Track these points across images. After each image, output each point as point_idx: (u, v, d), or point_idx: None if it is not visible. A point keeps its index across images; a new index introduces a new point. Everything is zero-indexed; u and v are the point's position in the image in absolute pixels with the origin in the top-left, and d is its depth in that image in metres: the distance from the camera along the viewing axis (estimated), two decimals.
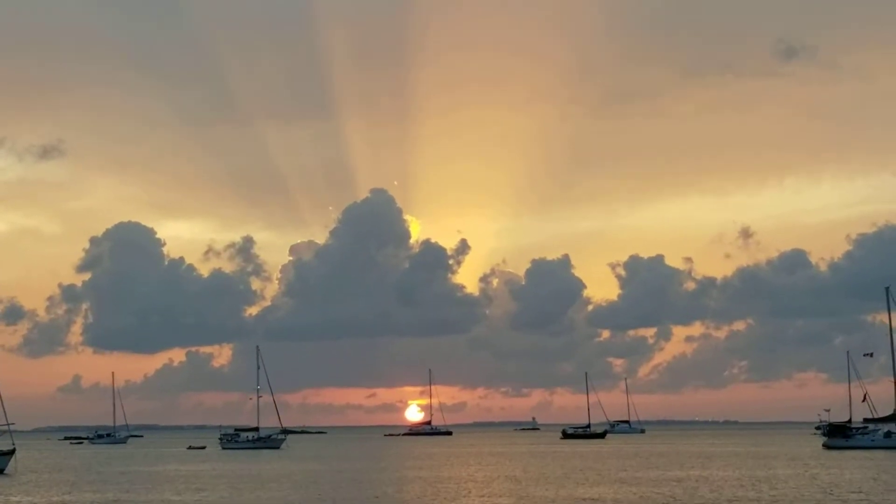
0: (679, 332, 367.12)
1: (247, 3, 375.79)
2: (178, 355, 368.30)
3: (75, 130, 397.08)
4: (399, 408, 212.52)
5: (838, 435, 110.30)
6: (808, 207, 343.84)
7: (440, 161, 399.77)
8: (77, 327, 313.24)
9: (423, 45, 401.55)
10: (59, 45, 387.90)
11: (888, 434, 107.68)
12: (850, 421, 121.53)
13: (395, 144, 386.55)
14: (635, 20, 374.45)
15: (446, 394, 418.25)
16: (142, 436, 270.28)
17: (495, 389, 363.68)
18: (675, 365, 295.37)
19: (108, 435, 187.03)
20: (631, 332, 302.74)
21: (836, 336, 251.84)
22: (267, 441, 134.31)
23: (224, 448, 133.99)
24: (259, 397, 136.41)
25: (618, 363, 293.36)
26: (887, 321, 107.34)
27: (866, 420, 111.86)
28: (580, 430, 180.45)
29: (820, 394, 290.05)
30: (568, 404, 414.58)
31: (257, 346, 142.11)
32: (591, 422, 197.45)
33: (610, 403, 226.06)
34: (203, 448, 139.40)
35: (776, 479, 58.02)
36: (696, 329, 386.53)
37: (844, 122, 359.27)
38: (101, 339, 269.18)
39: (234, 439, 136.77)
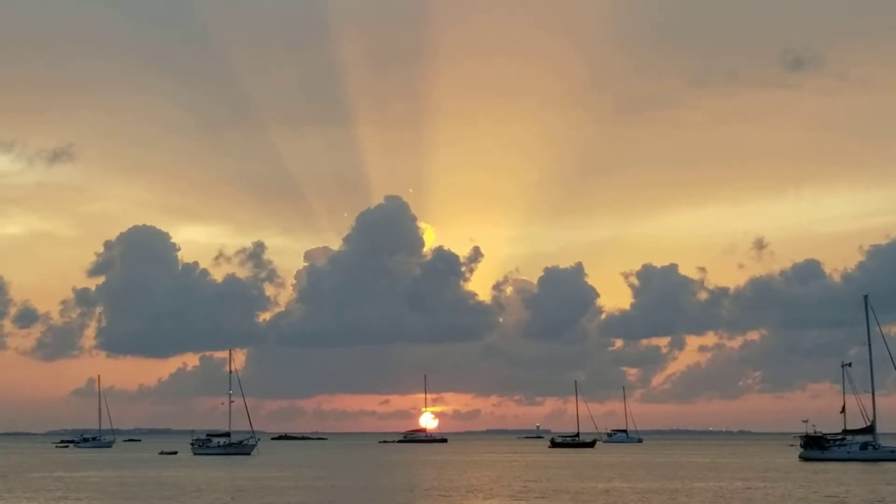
0: (692, 341, 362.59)
1: (262, 8, 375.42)
2: (191, 360, 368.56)
3: (90, 134, 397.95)
4: (413, 414, 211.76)
5: (814, 446, 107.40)
6: (822, 218, 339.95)
7: (454, 168, 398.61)
8: (91, 331, 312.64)
9: (436, 52, 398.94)
10: (73, 48, 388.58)
11: (864, 446, 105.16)
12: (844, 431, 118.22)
13: (409, 151, 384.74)
14: (646, 30, 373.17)
15: (460, 401, 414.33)
16: (139, 440, 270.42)
17: (509, 397, 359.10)
18: (689, 375, 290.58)
19: (94, 439, 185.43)
20: (644, 342, 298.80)
21: (851, 347, 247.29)
22: (238, 447, 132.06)
23: (195, 454, 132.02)
24: (231, 402, 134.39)
25: (631, 372, 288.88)
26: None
27: (845, 431, 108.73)
28: (569, 438, 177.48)
29: (835, 405, 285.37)
30: (581, 413, 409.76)
31: (230, 351, 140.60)
32: (601, 430, 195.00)
33: (623, 412, 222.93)
34: (174, 453, 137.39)
35: (697, 491, 55.21)
36: (710, 339, 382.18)
37: (857, 132, 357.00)
38: (115, 343, 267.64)
39: (206, 444, 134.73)
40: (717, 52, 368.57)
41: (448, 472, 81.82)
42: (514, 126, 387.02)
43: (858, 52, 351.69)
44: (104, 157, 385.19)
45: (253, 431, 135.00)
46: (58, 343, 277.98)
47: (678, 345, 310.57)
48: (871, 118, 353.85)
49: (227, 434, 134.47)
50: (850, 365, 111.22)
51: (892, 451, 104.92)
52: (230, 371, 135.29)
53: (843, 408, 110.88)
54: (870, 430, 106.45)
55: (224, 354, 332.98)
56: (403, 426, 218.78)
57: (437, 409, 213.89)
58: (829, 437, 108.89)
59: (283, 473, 79.94)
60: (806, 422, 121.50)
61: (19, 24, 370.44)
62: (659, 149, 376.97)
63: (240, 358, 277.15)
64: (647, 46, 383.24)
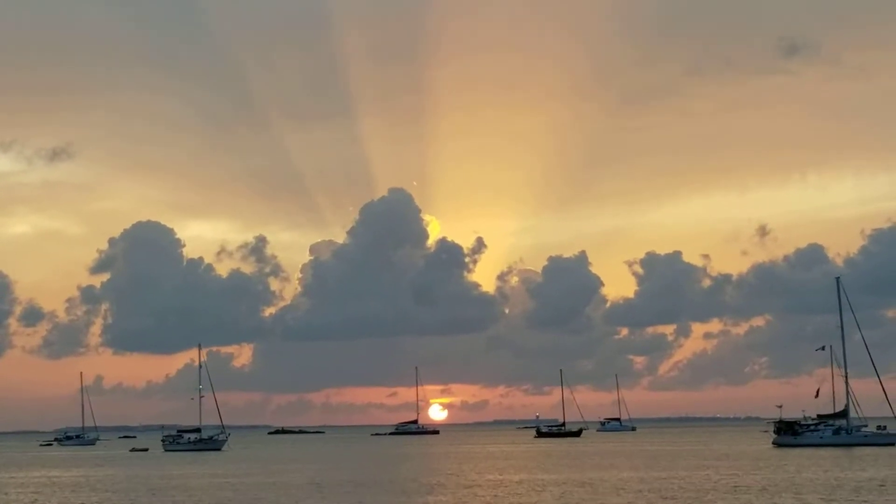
0: (698, 328, 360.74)
1: (265, 4, 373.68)
2: (198, 355, 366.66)
3: (95, 133, 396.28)
4: (421, 406, 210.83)
5: (787, 432, 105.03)
6: (824, 203, 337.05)
7: (458, 160, 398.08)
8: (97, 328, 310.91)
9: (440, 45, 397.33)
10: (76, 47, 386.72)
11: (837, 431, 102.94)
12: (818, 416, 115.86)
13: (413, 144, 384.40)
14: (647, 20, 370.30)
15: (468, 392, 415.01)
16: (135, 436, 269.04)
17: (516, 387, 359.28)
18: (696, 362, 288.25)
19: (77, 437, 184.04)
20: (649, 330, 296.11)
21: (856, 332, 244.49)
22: (209, 442, 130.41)
23: (166, 450, 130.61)
24: (201, 397, 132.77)
25: (638, 360, 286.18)
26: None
27: (820, 416, 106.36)
28: (554, 428, 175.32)
29: (840, 389, 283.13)
30: (589, 402, 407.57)
31: (199, 344, 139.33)
32: (595, 419, 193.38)
33: (631, 401, 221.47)
34: (146, 450, 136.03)
35: (611, 482, 53.06)
36: (715, 326, 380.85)
37: (857, 118, 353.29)
38: (121, 340, 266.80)
39: (177, 441, 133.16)
40: (712, 40, 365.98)
41: (390, 466, 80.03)
42: (516, 118, 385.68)
43: (852, 38, 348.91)
44: (109, 155, 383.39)
45: (223, 426, 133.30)
46: (64, 341, 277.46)
47: (684, 332, 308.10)
48: (870, 103, 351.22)
49: (198, 430, 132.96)
50: (822, 348, 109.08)
51: (866, 436, 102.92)
52: (199, 366, 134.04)
53: (818, 392, 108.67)
54: (843, 414, 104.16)
55: (231, 349, 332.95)
56: (413, 418, 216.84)
57: (445, 400, 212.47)
58: (801, 422, 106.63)
59: (222, 470, 78.21)
60: (780, 407, 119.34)
61: (22, 25, 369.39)
62: (660, 138, 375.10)
63: (247, 353, 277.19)
64: (648, 37, 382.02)
